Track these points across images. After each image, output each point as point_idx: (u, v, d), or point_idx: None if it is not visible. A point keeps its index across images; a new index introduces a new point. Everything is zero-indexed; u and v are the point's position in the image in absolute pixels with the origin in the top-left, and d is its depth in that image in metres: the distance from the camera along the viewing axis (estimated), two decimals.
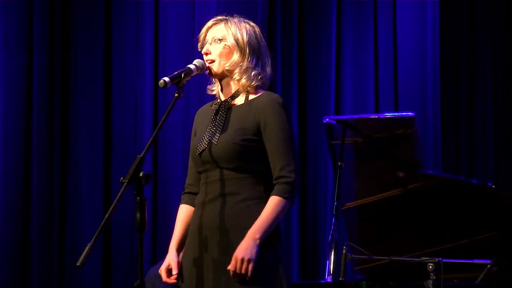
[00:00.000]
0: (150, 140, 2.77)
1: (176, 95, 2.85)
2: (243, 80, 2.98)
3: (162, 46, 6.21)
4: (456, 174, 6.20)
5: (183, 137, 6.02)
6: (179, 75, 2.88)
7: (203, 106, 3.16)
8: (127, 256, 5.95)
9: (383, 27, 6.54)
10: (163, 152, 6.13)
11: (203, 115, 3.09)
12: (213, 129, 2.97)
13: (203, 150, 2.95)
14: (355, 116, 5.15)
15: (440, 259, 4.07)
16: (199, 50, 3.04)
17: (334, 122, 4.68)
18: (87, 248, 2.51)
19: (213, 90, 3.10)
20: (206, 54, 3.00)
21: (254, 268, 2.77)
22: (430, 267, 4.05)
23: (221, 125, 2.96)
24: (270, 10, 6.40)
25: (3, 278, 5.73)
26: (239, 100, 3.00)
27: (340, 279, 4.27)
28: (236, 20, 3.04)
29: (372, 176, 4.82)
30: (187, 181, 3.10)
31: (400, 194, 4.72)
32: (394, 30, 6.53)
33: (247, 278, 2.78)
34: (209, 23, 3.05)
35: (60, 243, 5.91)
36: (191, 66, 2.95)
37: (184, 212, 3.05)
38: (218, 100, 3.05)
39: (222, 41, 2.99)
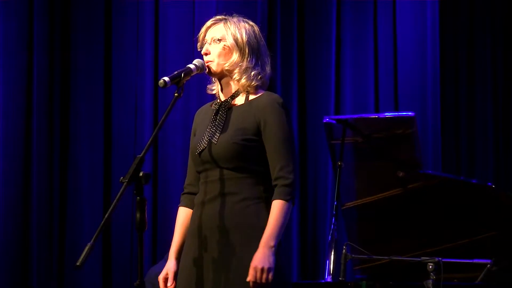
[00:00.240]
0: (150, 139, 2.77)
1: (176, 94, 2.85)
2: (243, 80, 2.98)
3: (162, 46, 6.21)
4: (456, 174, 6.20)
5: (183, 137, 6.02)
6: (179, 75, 2.88)
7: (203, 106, 3.16)
8: (127, 256, 5.95)
9: (383, 27, 6.54)
10: (163, 152, 6.14)
11: (203, 115, 3.09)
12: (213, 129, 2.97)
13: (202, 150, 2.96)
14: (355, 116, 5.15)
15: (440, 259, 4.07)
16: (199, 50, 3.04)
17: (334, 122, 4.68)
18: (87, 247, 2.51)
19: (213, 90, 3.10)
20: (206, 54, 3.00)
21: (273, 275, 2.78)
22: (430, 267, 4.05)
23: (221, 125, 2.96)
24: (270, 10, 6.40)
25: (3, 278, 5.73)
26: (239, 100, 3.00)
27: (340, 278, 4.27)
28: (235, 19, 3.03)
29: (372, 176, 4.81)
30: (186, 181, 3.10)
31: (400, 194, 4.72)
32: (394, 30, 6.53)
33: None
34: (208, 23, 3.05)
35: (60, 243, 5.91)
36: (191, 66, 2.95)
37: (183, 216, 3.05)
38: (218, 100, 3.05)
39: (222, 41, 2.99)
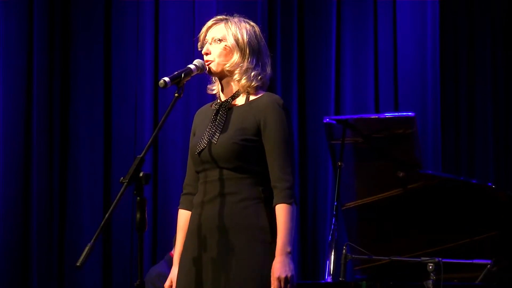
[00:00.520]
0: (150, 140, 2.77)
1: (176, 95, 2.85)
2: (243, 81, 2.97)
3: (162, 46, 6.21)
4: (456, 174, 6.19)
5: (183, 137, 6.02)
6: (179, 75, 2.87)
7: (203, 107, 3.15)
8: (127, 256, 5.95)
9: (383, 27, 6.54)
10: (163, 152, 6.13)
11: (203, 115, 3.09)
12: (213, 129, 2.97)
13: (202, 150, 2.95)
14: (355, 116, 5.15)
15: (440, 259, 4.07)
16: (199, 49, 3.04)
17: (334, 122, 4.68)
18: (87, 248, 2.51)
19: (213, 90, 3.09)
20: (206, 54, 2.99)
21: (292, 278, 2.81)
22: (430, 267, 4.05)
23: (221, 125, 2.96)
24: (270, 10, 6.40)
25: (3, 278, 5.73)
26: (240, 101, 3.00)
27: (340, 279, 4.27)
28: (236, 20, 3.03)
29: (372, 176, 4.81)
30: (186, 181, 3.10)
31: (400, 194, 4.72)
32: (394, 30, 6.53)
33: None
34: (209, 22, 3.04)
35: (60, 243, 5.91)
36: (191, 66, 2.94)
37: (184, 220, 3.05)
38: (218, 100, 3.04)
39: (222, 41, 2.99)
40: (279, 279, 2.79)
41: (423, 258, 4.14)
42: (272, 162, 2.90)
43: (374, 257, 4.49)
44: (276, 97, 2.98)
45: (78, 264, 2.50)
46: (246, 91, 2.99)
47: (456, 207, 4.72)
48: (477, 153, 6.59)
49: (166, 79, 2.83)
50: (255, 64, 2.99)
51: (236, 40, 2.98)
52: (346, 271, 4.32)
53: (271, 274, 2.80)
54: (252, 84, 2.97)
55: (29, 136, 5.90)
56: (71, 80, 6.06)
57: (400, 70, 6.51)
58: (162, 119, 2.80)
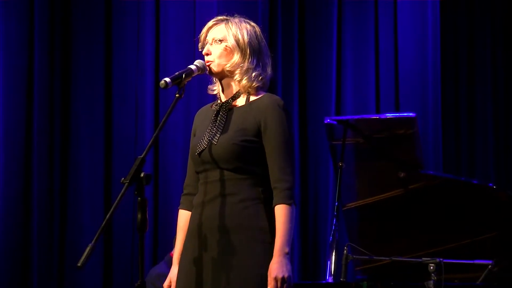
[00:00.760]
0: (151, 140, 2.76)
1: (177, 95, 2.85)
2: (244, 81, 2.97)
3: (163, 46, 6.21)
4: (456, 174, 6.20)
5: (184, 137, 6.02)
6: (180, 75, 2.87)
7: (203, 107, 3.15)
8: (128, 257, 5.95)
9: (383, 27, 6.54)
10: (164, 153, 6.13)
11: (203, 115, 3.09)
12: (213, 130, 2.97)
13: (202, 150, 2.95)
14: (356, 117, 5.15)
15: (441, 259, 4.07)
16: (200, 50, 3.04)
17: (335, 122, 4.68)
18: (88, 248, 2.51)
19: (213, 90, 3.09)
20: (207, 54, 2.99)
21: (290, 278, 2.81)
22: (431, 267, 4.05)
23: (221, 126, 2.96)
24: (271, 10, 6.39)
25: (3, 278, 5.73)
26: (240, 101, 3.00)
27: (341, 279, 4.27)
28: (236, 20, 3.03)
29: (373, 177, 4.81)
30: (186, 182, 3.10)
31: (401, 194, 4.72)
32: (395, 30, 6.53)
33: None
34: (210, 23, 3.04)
35: (61, 244, 5.91)
36: (192, 66, 2.94)
37: (184, 220, 3.05)
38: (219, 101, 3.04)
39: (223, 42, 2.98)
40: (276, 279, 2.79)
41: (424, 259, 4.14)
42: (272, 163, 2.90)
43: (375, 257, 4.49)
44: (276, 98, 2.98)
45: (79, 264, 2.50)
46: (246, 91, 2.98)
47: (457, 208, 4.72)
48: (478, 153, 6.59)
49: (167, 79, 2.83)
50: (256, 65, 2.99)
51: (237, 41, 2.98)
52: (347, 271, 4.32)
53: (268, 274, 2.80)
54: (253, 84, 2.97)
55: (29, 136, 5.90)
56: (71, 80, 6.06)
57: (401, 71, 6.51)
58: (163, 119, 2.80)
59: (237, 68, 2.97)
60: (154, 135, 2.79)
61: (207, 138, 2.96)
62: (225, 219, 2.88)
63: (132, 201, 5.60)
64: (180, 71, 2.88)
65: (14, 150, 5.85)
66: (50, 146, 5.95)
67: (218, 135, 2.93)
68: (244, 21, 3.04)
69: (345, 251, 4.33)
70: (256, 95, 2.99)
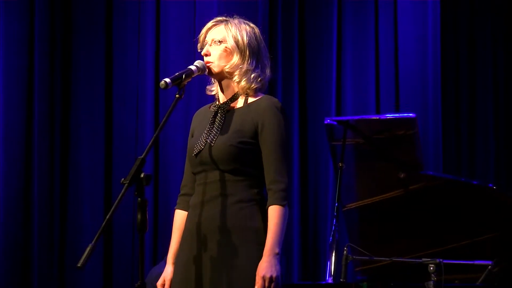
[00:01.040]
0: (151, 141, 2.77)
1: (177, 96, 2.85)
2: (243, 83, 2.98)
3: (163, 46, 6.21)
4: (457, 175, 6.19)
5: (184, 138, 6.00)
6: (180, 76, 2.88)
7: (202, 108, 3.16)
8: (128, 257, 5.95)
9: (384, 27, 6.54)
10: (164, 153, 6.13)
11: (202, 116, 3.10)
12: (211, 131, 2.98)
13: (199, 151, 2.97)
14: (356, 117, 5.15)
15: (441, 260, 4.07)
16: (199, 51, 3.04)
17: (335, 123, 4.68)
18: (88, 249, 2.51)
19: (212, 91, 3.10)
20: (206, 55, 3.00)
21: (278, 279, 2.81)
22: (431, 268, 4.05)
23: (219, 127, 2.97)
24: (271, 10, 6.39)
25: (4, 279, 5.73)
26: (238, 103, 3.01)
27: (341, 280, 4.27)
28: (236, 21, 3.03)
29: (373, 177, 4.81)
30: (183, 182, 3.12)
31: (401, 195, 4.72)
32: (395, 30, 6.53)
33: None
34: (209, 24, 3.04)
35: (61, 244, 5.91)
36: (192, 67, 2.94)
37: (180, 220, 3.06)
38: (217, 102, 3.05)
39: (222, 43, 2.99)
40: (263, 278, 2.80)
41: (424, 259, 4.14)
42: (268, 164, 2.91)
43: (375, 258, 4.49)
44: (274, 100, 2.99)
45: (79, 265, 2.51)
46: (245, 93, 2.99)
47: (457, 208, 4.72)
48: (478, 153, 6.59)
49: (167, 80, 2.83)
50: (255, 66, 3.00)
51: (236, 42, 2.98)
52: (347, 272, 4.32)
53: (257, 273, 2.81)
54: (252, 86, 2.98)
55: (30, 137, 5.90)
56: (72, 81, 6.06)
57: (401, 71, 6.50)
58: (163, 120, 2.80)
59: (236, 70, 2.98)
60: (154, 135, 2.80)
61: (205, 139, 2.97)
62: (221, 220, 2.89)
63: (132, 201, 5.60)
64: (180, 72, 2.89)
65: (14, 150, 5.85)
66: (51, 146, 5.95)
67: (216, 137, 2.95)
68: (244, 22, 3.04)
69: (345, 252, 4.33)
70: (255, 96, 3.00)
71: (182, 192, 3.10)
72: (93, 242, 2.52)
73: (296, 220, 6.24)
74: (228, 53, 2.98)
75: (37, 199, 5.82)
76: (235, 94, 3.01)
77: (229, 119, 2.97)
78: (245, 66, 2.98)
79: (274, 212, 2.87)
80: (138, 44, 6.17)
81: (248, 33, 3.01)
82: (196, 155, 2.97)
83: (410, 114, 4.59)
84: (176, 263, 3.00)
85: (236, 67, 2.98)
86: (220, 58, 2.98)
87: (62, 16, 6.08)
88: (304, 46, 6.49)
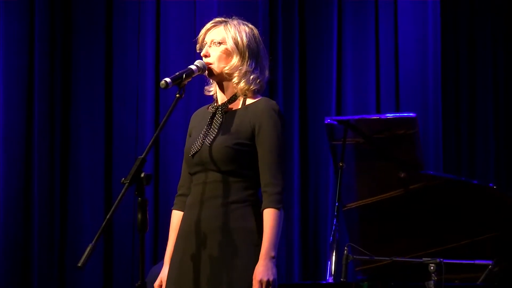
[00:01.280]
0: (152, 140, 2.77)
1: (177, 95, 2.85)
2: (242, 84, 2.98)
3: (163, 46, 6.21)
4: (457, 175, 6.19)
5: (184, 137, 5.96)
6: (181, 75, 2.87)
7: (200, 108, 3.16)
8: (128, 257, 5.95)
9: (384, 27, 6.54)
10: (164, 153, 6.13)
11: (200, 117, 3.10)
12: (208, 132, 2.98)
13: (196, 152, 2.97)
14: (357, 117, 5.15)
15: (441, 259, 4.07)
16: (198, 51, 3.04)
17: (335, 122, 4.68)
18: (88, 248, 2.51)
19: (210, 91, 3.10)
20: (205, 56, 2.99)
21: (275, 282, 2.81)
22: (432, 267, 4.05)
23: (216, 128, 2.97)
24: (271, 10, 6.39)
25: (4, 279, 5.73)
26: (236, 104, 3.01)
27: (342, 279, 4.27)
28: (235, 22, 3.03)
29: (373, 177, 4.82)
30: (180, 182, 3.12)
31: (401, 194, 4.72)
32: (395, 30, 6.53)
33: None
34: (208, 25, 3.04)
35: (61, 244, 5.91)
36: (193, 66, 2.94)
37: (177, 220, 3.07)
38: (215, 103, 3.05)
39: (222, 44, 2.99)
40: (261, 282, 2.80)
41: (424, 259, 4.14)
42: (264, 167, 2.91)
43: (375, 257, 4.49)
44: (272, 102, 2.99)
45: (79, 264, 2.50)
46: (244, 94, 2.99)
47: (457, 208, 4.72)
48: (478, 153, 6.59)
49: (167, 79, 2.83)
50: (254, 68, 3.00)
51: (236, 43, 2.98)
52: (347, 271, 4.32)
53: (253, 277, 2.81)
54: (251, 87, 2.98)
55: (30, 136, 5.89)
56: (72, 81, 6.06)
57: (401, 71, 6.50)
58: (164, 119, 2.81)
59: (236, 71, 2.98)
60: (155, 135, 2.81)
61: (202, 140, 2.98)
62: (214, 221, 2.89)
63: (132, 201, 5.60)
64: (180, 71, 2.89)
65: (15, 150, 5.85)
66: (51, 146, 5.95)
67: (212, 138, 2.95)
68: (243, 23, 3.04)
69: (345, 251, 4.33)
70: (253, 98, 3.00)
71: (179, 192, 3.11)
72: (93, 241, 2.52)
73: (297, 220, 6.24)
74: (228, 54, 2.98)
75: (37, 199, 5.82)
76: (233, 95, 3.01)
77: (226, 120, 2.98)
78: (244, 68, 2.97)
79: (269, 216, 2.86)
80: (138, 44, 6.17)
81: (248, 34, 3.01)
82: (193, 155, 2.98)
83: (411, 114, 4.60)
84: (170, 263, 3.00)
85: (235, 68, 2.97)
86: (219, 59, 2.98)
87: (62, 16, 6.07)
88: (304, 46, 6.49)
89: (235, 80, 2.98)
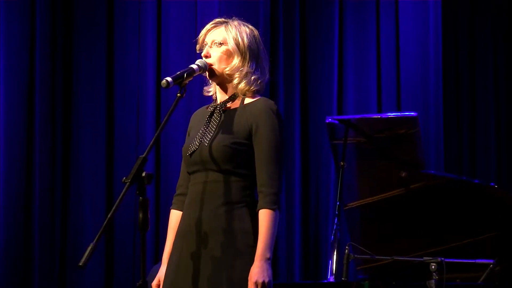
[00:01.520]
0: (153, 140, 2.77)
1: (178, 95, 2.85)
2: (242, 85, 2.98)
3: (164, 46, 6.21)
4: (458, 174, 6.19)
5: (185, 137, 6.00)
6: (182, 75, 2.87)
7: (200, 108, 3.17)
8: (129, 256, 5.95)
9: (385, 27, 6.54)
10: (165, 152, 6.13)
11: (199, 117, 3.10)
12: (206, 131, 2.98)
13: (193, 151, 2.97)
14: (358, 116, 5.15)
15: (442, 259, 4.07)
16: (198, 52, 3.04)
17: (336, 122, 4.68)
18: (89, 248, 2.51)
19: (209, 92, 3.10)
20: (206, 57, 2.99)
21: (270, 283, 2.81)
22: (433, 267, 4.06)
23: (214, 128, 2.97)
24: (272, 10, 6.39)
25: (4, 278, 5.73)
26: (235, 103, 3.00)
27: (343, 279, 4.28)
28: (236, 23, 3.03)
29: (375, 176, 4.82)
30: (179, 182, 3.12)
31: (402, 194, 4.72)
32: (396, 29, 6.53)
33: None
34: (209, 25, 3.04)
35: (62, 243, 5.91)
36: (194, 66, 2.94)
37: (175, 220, 3.07)
38: (214, 103, 3.05)
39: (223, 45, 2.99)
40: (256, 283, 2.80)
41: (425, 258, 4.14)
42: (260, 167, 2.90)
43: (376, 257, 4.49)
44: (270, 102, 2.98)
45: (80, 264, 2.50)
46: (243, 94, 2.99)
47: (459, 207, 4.72)
48: (479, 152, 6.59)
49: (168, 79, 2.83)
50: (255, 69, 3.00)
51: (237, 44, 2.98)
52: (348, 271, 4.32)
53: (249, 278, 2.81)
54: (251, 88, 2.98)
55: (31, 136, 5.90)
56: (73, 81, 6.06)
57: (402, 70, 6.50)
58: (165, 119, 2.81)
59: (237, 72, 2.98)
60: (156, 134, 2.81)
61: (199, 139, 2.97)
62: (211, 221, 2.89)
63: (133, 200, 5.60)
64: (181, 71, 2.89)
65: (16, 150, 5.85)
66: (52, 146, 5.95)
67: (210, 137, 2.95)
68: (243, 24, 3.04)
69: (346, 251, 4.33)
70: (252, 98, 2.99)
71: (177, 192, 3.11)
72: (94, 241, 2.52)
73: (298, 219, 6.24)
74: (228, 55, 2.98)
75: (38, 199, 5.82)
76: (232, 95, 3.01)
77: (224, 119, 2.98)
78: (245, 69, 2.97)
79: (264, 217, 2.86)
80: (138, 44, 6.17)
81: (248, 35, 3.01)
82: (191, 154, 2.98)
83: (412, 113, 4.60)
84: (168, 262, 3.00)
85: (236, 69, 2.97)
86: (220, 60, 2.98)
87: (63, 16, 6.08)
88: (305, 46, 6.49)
89: (235, 81, 2.98)
